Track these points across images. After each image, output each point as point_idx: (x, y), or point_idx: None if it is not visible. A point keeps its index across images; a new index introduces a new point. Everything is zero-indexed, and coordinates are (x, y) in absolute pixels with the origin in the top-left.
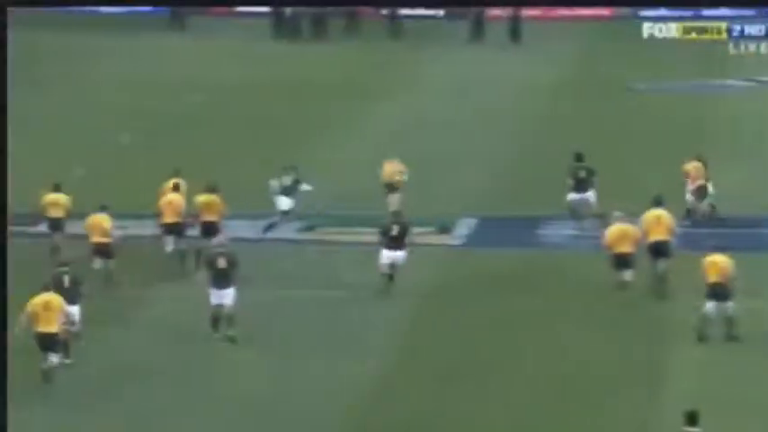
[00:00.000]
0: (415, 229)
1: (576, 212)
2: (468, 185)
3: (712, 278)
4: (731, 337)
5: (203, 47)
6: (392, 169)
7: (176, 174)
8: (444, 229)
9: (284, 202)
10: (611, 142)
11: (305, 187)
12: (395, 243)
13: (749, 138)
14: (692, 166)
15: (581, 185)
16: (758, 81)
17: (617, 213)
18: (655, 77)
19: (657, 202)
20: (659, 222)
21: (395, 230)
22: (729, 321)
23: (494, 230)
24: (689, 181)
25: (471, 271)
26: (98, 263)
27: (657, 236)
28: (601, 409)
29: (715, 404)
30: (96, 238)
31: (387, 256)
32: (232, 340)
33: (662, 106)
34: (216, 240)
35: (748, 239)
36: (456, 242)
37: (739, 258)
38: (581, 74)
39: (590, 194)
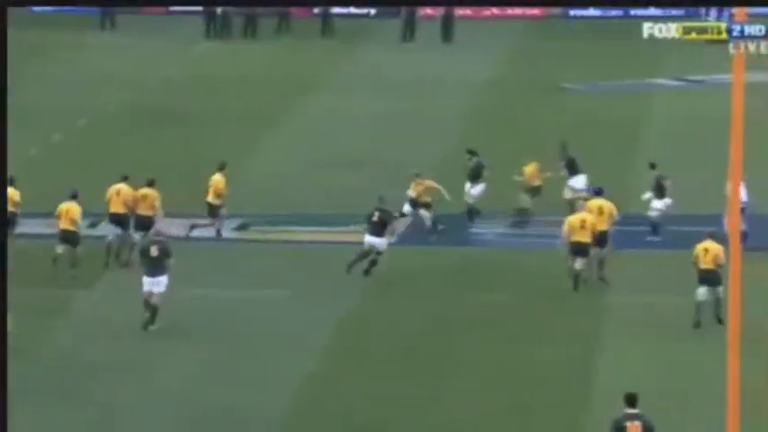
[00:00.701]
0: (350, 228)
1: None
2: (402, 183)
3: (705, 264)
4: (719, 320)
5: (134, 45)
6: (423, 188)
7: (221, 168)
8: None
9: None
10: (542, 141)
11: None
12: (375, 229)
13: (678, 139)
14: (531, 167)
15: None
16: (689, 80)
17: (581, 202)
18: (586, 77)
19: (598, 192)
20: (601, 212)
21: (375, 216)
22: (718, 304)
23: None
24: (524, 181)
25: (405, 269)
26: (61, 248)
27: (598, 225)
28: (534, 404)
29: (649, 393)
30: (64, 226)
31: (367, 241)
32: (145, 328)
33: (594, 106)
34: (152, 230)
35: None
36: (390, 240)
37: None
38: (512, 73)
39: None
